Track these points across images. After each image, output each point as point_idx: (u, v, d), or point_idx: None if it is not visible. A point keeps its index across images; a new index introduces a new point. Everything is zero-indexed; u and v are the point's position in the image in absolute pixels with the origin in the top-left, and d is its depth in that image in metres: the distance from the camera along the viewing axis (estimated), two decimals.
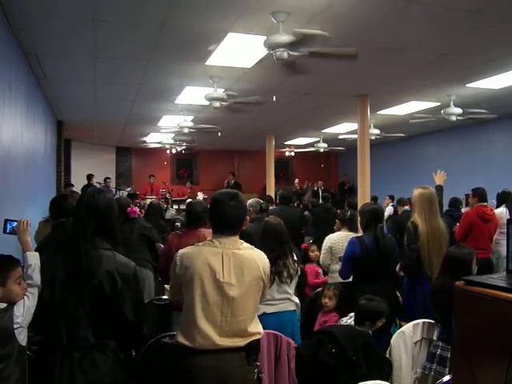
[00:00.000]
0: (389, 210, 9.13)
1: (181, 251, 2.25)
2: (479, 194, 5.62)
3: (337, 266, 4.29)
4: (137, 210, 4.66)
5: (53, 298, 2.06)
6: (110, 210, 2.20)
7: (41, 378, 2.06)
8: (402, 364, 2.79)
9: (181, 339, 2.14)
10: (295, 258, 3.40)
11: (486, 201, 5.65)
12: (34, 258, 2.11)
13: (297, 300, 3.38)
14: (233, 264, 2.15)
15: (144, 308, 2.21)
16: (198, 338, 2.08)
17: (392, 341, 2.83)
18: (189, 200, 8.50)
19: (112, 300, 2.07)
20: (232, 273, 2.14)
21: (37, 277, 2.07)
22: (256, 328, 2.22)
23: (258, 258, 2.25)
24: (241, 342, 2.13)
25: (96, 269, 2.05)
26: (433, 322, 2.95)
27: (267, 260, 2.31)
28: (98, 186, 11.36)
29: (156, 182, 13.17)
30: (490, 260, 5.45)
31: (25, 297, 2.05)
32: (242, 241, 2.27)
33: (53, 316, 2.05)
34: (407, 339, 2.83)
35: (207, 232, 3.46)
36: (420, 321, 2.93)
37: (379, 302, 3.06)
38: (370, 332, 2.90)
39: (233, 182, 14.17)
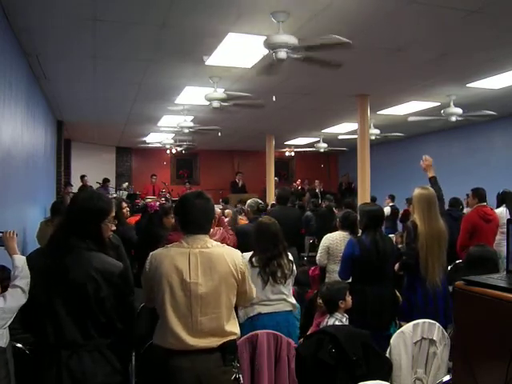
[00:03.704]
0: (386, 210, 9.13)
1: (152, 252, 2.25)
2: (479, 195, 5.60)
3: (334, 266, 4.29)
4: (156, 204, 4.88)
5: (37, 296, 2.07)
6: (99, 213, 2.17)
7: (29, 376, 2.08)
8: (402, 364, 2.78)
9: (155, 341, 2.17)
10: (290, 257, 3.40)
11: (485, 201, 5.64)
12: (20, 261, 2.13)
13: (293, 301, 3.37)
14: (200, 263, 2.15)
15: (132, 311, 2.20)
16: (169, 339, 2.10)
17: (392, 341, 2.83)
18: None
19: (97, 302, 2.05)
20: (199, 272, 2.14)
21: (21, 278, 2.07)
22: (232, 328, 2.21)
23: (227, 254, 2.23)
24: (215, 343, 2.13)
25: (70, 266, 2.04)
26: (433, 322, 2.95)
27: (239, 256, 2.30)
28: (97, 185, 11.38)
29: (157, 182, 13.15)
30: None
31: (1, 297, 2.04)
32: (211, 240, 2.27)
33: (40, 315, 2.06)
34: (407, 339, 2.83)
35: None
36: (420, 321, 2.93)
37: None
38: None
39: (241, 182, 13.92)
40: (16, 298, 2.04)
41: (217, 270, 2.16)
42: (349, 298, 3.27)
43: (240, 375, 2.26)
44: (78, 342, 2.03)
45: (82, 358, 2.02)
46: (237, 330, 2.25)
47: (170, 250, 2.22)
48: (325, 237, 4.56)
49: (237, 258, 2.26)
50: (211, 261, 2.17)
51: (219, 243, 2.30)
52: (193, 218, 2.23)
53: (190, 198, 2.28)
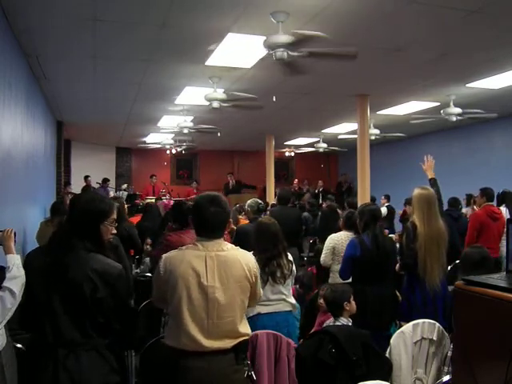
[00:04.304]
0: (383, 210, 9.11)
1: (165, 255, 2.24)
2: (487, 194, 5.69)
3: (338, 267, 4.28)
4: (170, 202, 5.20)
5: (36, 295, 2.07)
6: (99, 215, 2.17)
7: (26, 375, 2.07)
8: (402, 364, 2.78)
9: (168, 341, 2.16)
10: (290, 258, 3.40)
11: (493, 200, 5.69)
12: (11, 260, 2.12)
13: (293, 301, 3.37)
14: (216, 266, 2.15)
15: (131, 311, 2.19)
16: (184, 340, 2.09)
17: (392, 341, 2.83)
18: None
19: (94, 303, 2.05)
20: (216, 275, 2.14)
21: (10, 279, 2.05)
22: (245, 329, 2.23)
23: (242, 258, 2.24)
24: (229, 344, 2.14)
25: (70, 265, 2.04)
26: (433, 322, 2.95)
27: (252, 259, 2.31)
28: (97, 186, 11.40)
29: (157, 182, 13.15)
30: (499, 259, 5.45)
31: None
32: (226, 242, 2.27)
33: (38, 314, 2.05)
34: (407, 339, 2.83)
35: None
36: (420, 321, 2.93)
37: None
38: None
39: (234, 182, 14.04)
40: (3, 299, 2.00)
41: (233, 274, 2.17)
42: (353, 302, 3.24)
43: (252, 372, 2.28)
44: (77, 341, 2.03)
45: (79, 358, 2.01)
46: (249, 330, 2.26)
47: (184, 252, 2.20)
48: (329, 237, 4.55)
49: (250, 261, 2.27)
50: (227, 264, 2.18)
51: (233, 246, 2.30)
52: (209, 226, 2.22)
53: (205, 205, 2.22)
